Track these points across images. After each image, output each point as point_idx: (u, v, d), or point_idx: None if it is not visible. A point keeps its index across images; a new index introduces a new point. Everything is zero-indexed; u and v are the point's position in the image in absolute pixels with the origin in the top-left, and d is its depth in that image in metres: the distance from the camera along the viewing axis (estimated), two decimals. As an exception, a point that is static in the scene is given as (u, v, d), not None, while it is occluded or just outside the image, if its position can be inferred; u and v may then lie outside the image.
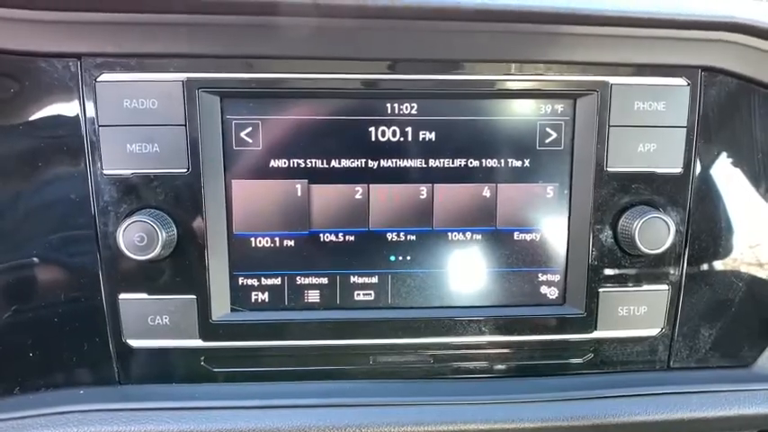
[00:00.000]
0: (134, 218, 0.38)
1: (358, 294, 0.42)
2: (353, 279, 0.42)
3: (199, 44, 0.38)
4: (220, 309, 0.41)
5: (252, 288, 0.42)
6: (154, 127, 0.39)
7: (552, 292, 0.43)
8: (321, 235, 0.42)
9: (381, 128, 0.41)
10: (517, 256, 0.42)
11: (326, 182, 0.41)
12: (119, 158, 0.39)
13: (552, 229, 0.42)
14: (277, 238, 0.41)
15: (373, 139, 0.41)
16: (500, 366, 0.44)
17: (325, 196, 0.41)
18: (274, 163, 0.40)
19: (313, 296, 0.42)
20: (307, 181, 0.41)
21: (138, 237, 0.38)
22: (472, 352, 0.44)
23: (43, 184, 0.40)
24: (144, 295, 0.40)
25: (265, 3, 0.37)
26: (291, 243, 0.41)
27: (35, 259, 0.41)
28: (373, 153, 0.41)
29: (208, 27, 0.38)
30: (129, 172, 0.39)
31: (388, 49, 0.39)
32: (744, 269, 0.44)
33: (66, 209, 0.40)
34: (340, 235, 0.42)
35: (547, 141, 0.41)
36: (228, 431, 0.41)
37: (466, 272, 0.42)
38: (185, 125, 0.39)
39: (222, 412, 0.41)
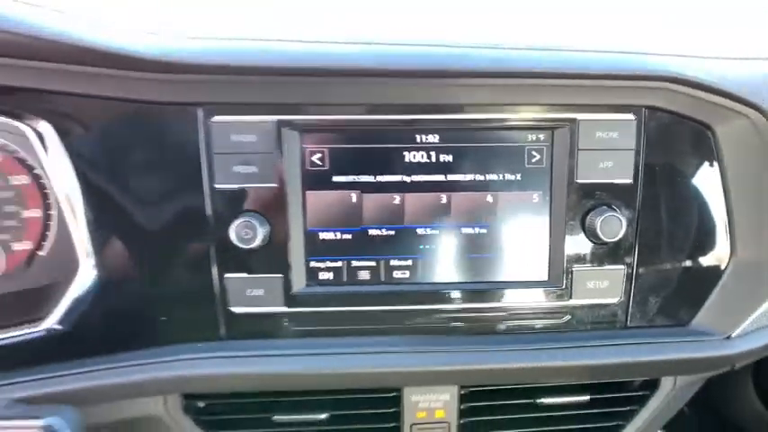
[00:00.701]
0: (241, 218, 0.53)
1: (396, 273, 0.57)
2: (393, 262, 0.57)
3: (286, 97, 0.53)
4: (298, 284, 0.56)
5: (320, 269, 0.57)
6: (252, 154, 0.54)
7: (539, 272, 0.58)
8: (369, 230, 0.57)
9: (413, 152, 0.56)
10: (512, 245, 0.58)
11: (373, 192, 0.56)
12: (228, 176, 0.54)
13: (538, 225, 0.57)
14: (338, 233, 0.56)
15: (407, 160, 0.56)
16: (502, 326, 0.59)
17: (373, 202, 0.56)
18: (336, 179, 0.55)
19: (364, 275, 0.57)
20: (360, 191, 0.56)
21: (245, 232, 0.53)
22: (481, 315, 0.59)
23: (171, 194, 0.55)
24: (244, 274, 0.56)
25: (334, 70, 0.52)
26: (348, 236, 0.56)
27: (167, 249, 0.56)
28: (407, 171, 0.56)
29: (293, 85, 0.53)
30: (235, 186, 0.54)
31: (419, 97, 0.54)
32: (679, 254, 0.59)
33: (189, 213, 0.55)
34: (383, 230, 0.57)
35: (532, 161, 0.56)
36: (304, 370, 0.57)
37: (475, 257, 0.58)
38: (275, 153, 0.54)
39: (299, 358, 0.57)
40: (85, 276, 0.56)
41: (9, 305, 0.59)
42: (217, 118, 0.53)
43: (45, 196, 0.63)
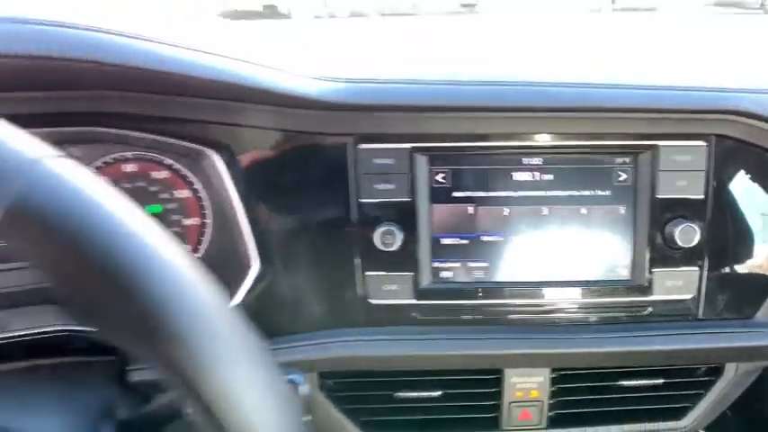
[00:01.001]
0: (383, 227, 0.65)
1: (503, 273, 0.68)
2: (501, 263, 0.69)
3: (418, 128, 0.65)
4: (425, 281, 0.68)
5: (442, 269, 0.69)
6: (390, 174, 0.67)
7: (624, 272, 0.69)
8: (482, 237, 0.68)
9: (519, 173, 0.67)
10: (601, 249, 0.69)
11: (486, 205, 0.68)
12: (370, 192, 0.66)
13: (623, 233, 0.68)
14: (457, 239, 0.68)
15: (514, 179, 0.67)
16: (591, 318, 0.70)
17: (486, 213, 0.68)
18: (456, 194, 0.67)
19: (477, 274, 0.69)
20: (475, 204, 0.68)
21: (386, 238, 0.65)
22: (573, 308, 0.70)
23: (324, 206, 0.68)
24: (382, 272, 0.68)
25: (458, 107, 0.64)
26: (465, 242, 0.68)
27: (320, 251, 0.68)
28: (514, 187, 0.67)
29: (424, 119, 0.65)
30: (377, 200, 0.66)
31: (526, 127, 0.66)
32: (743, 257, 0.69)
33: (338, 222, 0.67)
34: (494, 237, 0.68)
35: (619, 180, 0.67)
36: (428, 352, 0.68)
37: (569, 259, 0.69)
38: (408, 173, 0.66)
39: (424, 342, 0.68)
40: (251, 274, 0.68)
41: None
42: (363, 145, 0.66)
43: (202, 207, 0.76)
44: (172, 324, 0.26)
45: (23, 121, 0.33)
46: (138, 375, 0.63)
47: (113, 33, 0.54)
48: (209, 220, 0.77)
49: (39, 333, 0.61)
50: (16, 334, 0.61)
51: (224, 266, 0.75)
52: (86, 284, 0.26)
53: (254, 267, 0.67)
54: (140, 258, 0.27)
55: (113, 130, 0.66)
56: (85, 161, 0.72)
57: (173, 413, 0.57)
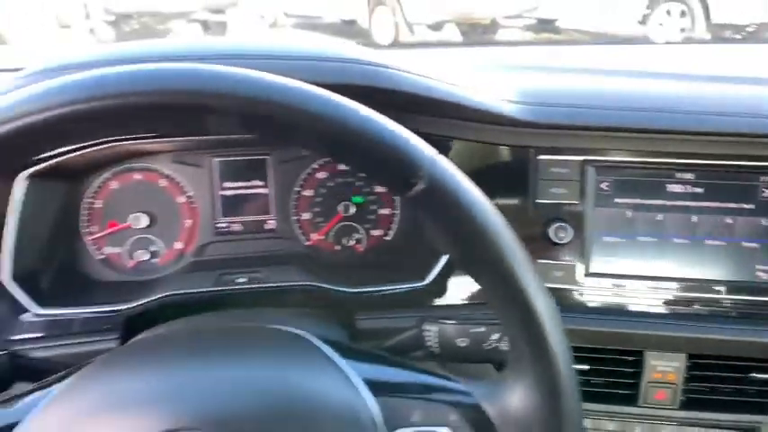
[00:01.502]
0: (556, 224, 0.80)
1: (653, 269, 0.82)
2: (652, 261, 0.82)
3: (591, 144, 0.80)
4: (587, 270, 0.82)
5: (601, 262, 0.82)
6: (564, 181, 0.81)
7: (764, 275, 0.80)
8: (638, 237, 0.81)
9: (673, 185, 0.80)
10: (745, 255, 0.80)
11: (643, 211, 0.81)
12: (546, 195, 0.81)
13: (766, 241, 0.79)
14: (616, 238, 0.82)
15: (668, 190, 0.80)
16: (733, 312, 0.81)
17: (642, 218, 0.81)
18: (617, 200, 0.81)
19: (631, 269, 0.82)
20: (633, 210, 0.81)
21: (560, 233, 0.80)
22: (720, 300, 0.81)
23: (507, 205, 0.83)
24: (551, 261, 0.82)
25: (629, 128, 0.78)
26: (623, 241, 0.81)
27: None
28: (668, 197, 0.80)
29: (597, 138, 0.80)
30: (551, 202, 0.81)
31: (681, 147, 0.79)
32: None
33: (518, 218, 0.82)
34: (647, 238, 0.81)
35: (763, 195, 0.79)
36: (588, 328, 0.82)
37: (716, 261, 0.80)
38: (579, 181, 0.81)
39: (584, 319, 0.82)
40: (443, 258, 0.84)
41: (386, 266, 0.90)
42: (542, 156, 0.81)
43: (394, 200, 0.94)
44: (508, 257, 0.43)
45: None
46: (364, 324, 0.81)
47: (390, 67, 0.73)
48: (397, 211, 0.94)
49: (289, 285, 0.80)
50: (274, 285, 0.80)
51: (412, 250, 0.92)
52: (470, 237, 0.43)
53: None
54: (495, 222, 0.43)
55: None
56: (314, 157, 0.92)
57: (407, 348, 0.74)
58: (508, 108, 0.80)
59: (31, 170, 0.75)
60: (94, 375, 0.48)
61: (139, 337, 0.54)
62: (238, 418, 0.44)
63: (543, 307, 0.44)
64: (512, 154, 0.82)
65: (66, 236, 0.87)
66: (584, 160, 0.80)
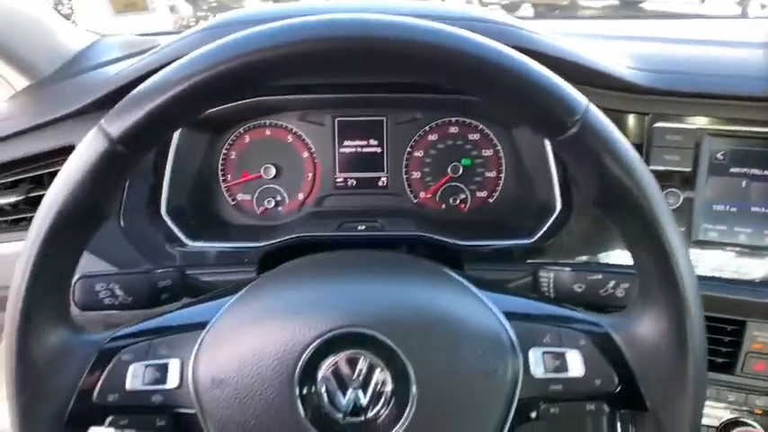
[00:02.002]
0: (667, 189, 0.82)
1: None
2: (764, 231, 0.83)
3: (707, 113, 0.81)
4: (695, 236, 0.84)
5: (710, 230, 0.84)
6: (677, 148, 0.83)
7: None
8: (752, 207, 0.82)
9: (792, 157, 0.81)
10: None
11: (759, 182, 0.82)
12: (659, 161, 0.82)
13: None
14: (727, 206, 0.83)
15: (786, 162, 0.81)
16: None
17: (757, 188, 0.82)
18: (732, 170, 0.82)
19: (741, 237, 0.83)
20: (748, 180, 0.82)
21: (671, 197, 0.82)
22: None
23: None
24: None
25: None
26: (734, 210, 0.82)
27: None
28: (785, 169, 0.81)
29: (713, 106, 0.81)
30: (663, 168, 0.83)
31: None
32: None
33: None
34: (762, 208, 0.82)
35: None
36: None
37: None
38: (693, 149, 0.83)
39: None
40: (552, 216, 0.88)
41: (488, 226, 0.95)
42: (658, 124, 0.83)
43: (500, 164, 0.98)
44: (651, 197, 0.47)
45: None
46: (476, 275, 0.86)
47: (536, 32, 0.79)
48: (503, 175, 0.99)
49: (404, 235, 0.87)
50: (391, 234, 0.88)
51: (515, 212, 0.97)
52: (618, 179, 0.47)
53: (556, 211, 0.87)
54: (641, 167, 0.48)
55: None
56: (427, 120, 0.98)
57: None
58: (629, 74, 0.82)
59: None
60: (270, 284, 0.56)
61: (305, 258, 0.62)
62: (401, 324, 0.51)
63: (677, 241, 0.48)
64: (629, 120, 0.84)
65: (207, 181, 0.97)
66: (701, 128, 0.82)
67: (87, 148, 0.47)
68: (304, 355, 0.50)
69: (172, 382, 0.52)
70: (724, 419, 0.89)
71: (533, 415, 0.54)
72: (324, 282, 0.55)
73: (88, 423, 0.53)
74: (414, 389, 0.49)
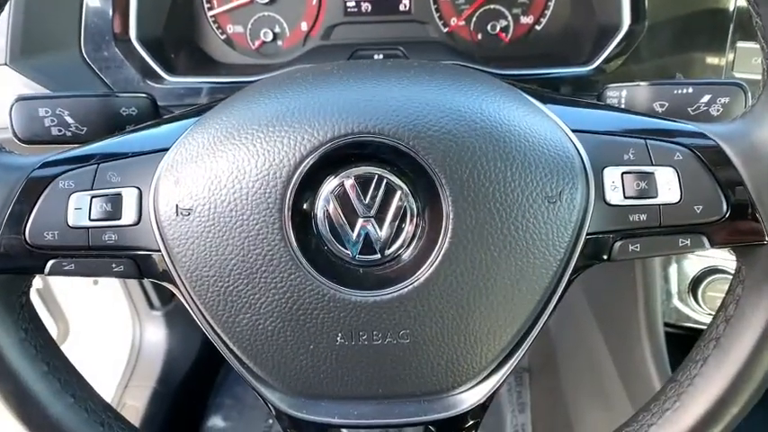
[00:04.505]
0: None
1: None
2: None
3: None
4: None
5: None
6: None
7: None
8: None
9: None
10: None
11: None
12: None
13: None
14: None
15: None
16: None
17: None
18: None
19: None
20: None
21: None
22: None
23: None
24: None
25: None
26: None
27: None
28: None
29: None
30: None
31: None
32: None
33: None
34: None
35: None
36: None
37: None
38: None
39: None
40: (620, 33, 0.70)
41: (533, 59, 0.78)
42: None
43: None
44: None
45: None
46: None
47: None
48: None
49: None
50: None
51: (570, 37, 0.79)
52: None
53: (623, 30, 0.69)
54: None
55: None
56: None
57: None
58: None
59: None
60: (255, 92, 0.41)
61: (305, 66, 0.46)
62: (432, 133, 0.36)
63: None
64: None
65: (187, 8, 0.80)
66: None
67: None
68: (298, 172, 0.36)
69: (127, 216, 0.40)
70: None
71: (605, 256, 0.40)
72: (327, 85, 0.40)
73: (23, 272, 0.41)
74: (450, 219, 0.36)
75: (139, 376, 1.38)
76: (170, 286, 0.40)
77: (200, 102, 0.72)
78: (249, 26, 0.81)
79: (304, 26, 0.81)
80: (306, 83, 0.40)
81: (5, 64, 0.66)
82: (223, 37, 0.82)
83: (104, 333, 1.44)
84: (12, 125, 0.50)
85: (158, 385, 1.38)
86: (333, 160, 0.36)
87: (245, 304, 0.38)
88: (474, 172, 0.36)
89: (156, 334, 1.42)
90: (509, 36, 0.81)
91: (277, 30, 0.82)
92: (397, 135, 0.35)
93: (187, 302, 0.39)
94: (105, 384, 1.35)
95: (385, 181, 0.36)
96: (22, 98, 0.50)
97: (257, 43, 0.82)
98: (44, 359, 0.43)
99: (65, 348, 0.47)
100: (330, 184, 0.37)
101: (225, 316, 0.38)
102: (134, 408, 1.33)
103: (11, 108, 0.49)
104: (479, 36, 0.82)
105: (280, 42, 0.82)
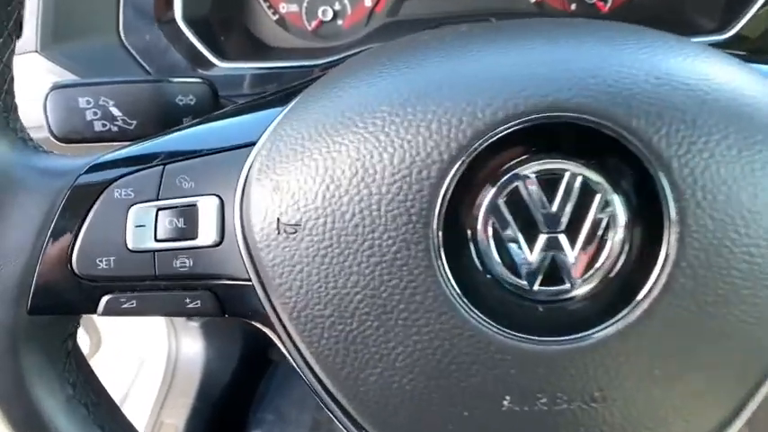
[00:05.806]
0: None
1: None
2: None
3: None
4: None
5: None
6: None
7: None
8: None
9: None
10: None
11: None
12: None
13: None
14: None
15: None
16: None
17: None
18: None
19: None
20: None
21: None
22: None
23: None
24: None
25: None
26: None
27: None
28: None
29: None
30: None
31: None
32: None
33: None
34: None
35: None
36: None
37: None
38: None
39: None
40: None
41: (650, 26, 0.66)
42: None
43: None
44: None
45: None
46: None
47: None
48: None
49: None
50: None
51: (689, 3, 0.67)
52: None
53: None
54: None
55: None
56: None
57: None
58: None
59: None
60: (373, 64, 0.31)
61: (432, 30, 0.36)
62: (648, 107, 0.25)
63: None
64: None
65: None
66: None
67: None
68: (453, 170, 0.25)
69: (206, 235, 0.29)
70: None
71: None
72: (481, 46, 0.29)
73: (70, 311, 0.31)
74: (675, 232, 0.25)
75: (177, 392, 1.30)
76: (264, 328, 0.30)
77: (246, 92, 0.62)
78: (305, 4, 0.71)
79: (368, 2, 0.71)
80: (446, 45, 0.29)
81: (36, 51, 0.56)
82: (275, 17, 0.72)
83: (138, 345, 1.36)
84: (47, 119, 0.40)
85: (197, 401, 1.29)
86: (502, 152, 0.26)
87: (374, 355, 0.27)
88: (711, 165, 0.25)
89: (192, 346, 1.33)
90: (608, 4, 0.70)
91: (337, 7, 0.71)
92: (600, 112, 0.25)
93: (289, 351, 0.29)
94: (141, 402, 1.28)
95: (580, 179, 0.25)
96: (58, 86, 0.40)
97: (314, 23, 0.72)
98: (97, 421, 0.33)
99: (96, 362, 0.37)
100: (498, 187, 0.26)
101: (345, 371, 0.28)
102: (172, 426, 1.25)
103: (45, 98, 0.40)
104: (573, 6, 0.70)
105: (340, 21, 0.72)
